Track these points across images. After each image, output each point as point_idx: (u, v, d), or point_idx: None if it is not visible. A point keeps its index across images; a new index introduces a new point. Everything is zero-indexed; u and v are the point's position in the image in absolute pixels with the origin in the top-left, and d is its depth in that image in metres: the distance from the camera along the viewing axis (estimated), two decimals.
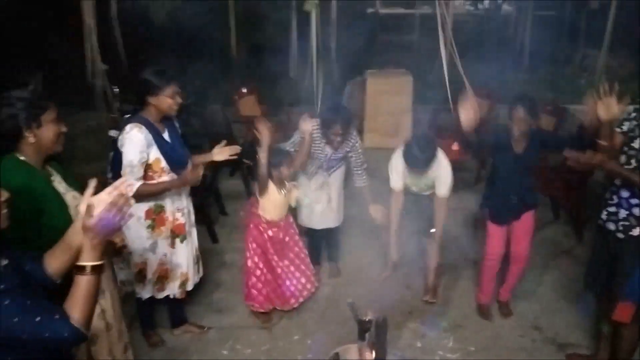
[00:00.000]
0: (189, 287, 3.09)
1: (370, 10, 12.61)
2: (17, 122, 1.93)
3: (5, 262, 1.47)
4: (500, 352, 3.12)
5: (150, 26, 6.73)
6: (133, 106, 2.80)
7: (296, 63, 6.14)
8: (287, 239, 3.42)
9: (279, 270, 3.36)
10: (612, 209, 2.66)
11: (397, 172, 3.27)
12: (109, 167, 4.69)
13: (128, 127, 2.65)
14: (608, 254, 2.73)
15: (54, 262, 1.67)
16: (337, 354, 2.70)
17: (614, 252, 2.68)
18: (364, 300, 3.24)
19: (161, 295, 3.01)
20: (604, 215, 2.71)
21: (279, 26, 6.41)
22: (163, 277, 2.97)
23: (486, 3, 12.40)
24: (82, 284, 1.47)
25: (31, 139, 1.96)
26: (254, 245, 3.34)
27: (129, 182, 2.32)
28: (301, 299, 3.46)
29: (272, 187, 3.28)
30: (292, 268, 3.42)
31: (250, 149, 5.62)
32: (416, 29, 12.13)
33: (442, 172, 3.24)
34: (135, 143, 2.63)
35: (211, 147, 5.17)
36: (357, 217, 4.13)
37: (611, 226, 2.67)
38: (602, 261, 2.78)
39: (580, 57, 10.10)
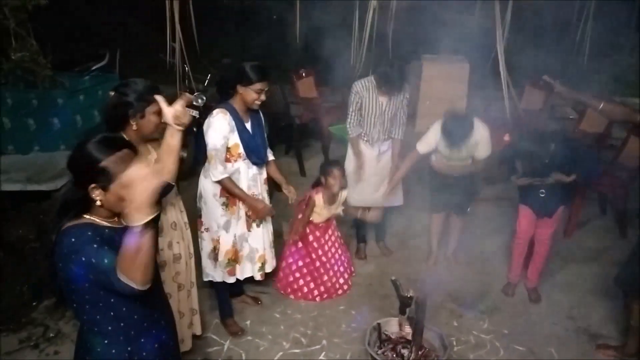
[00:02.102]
0: (268, 269, 3.27)
1: None
2: (125, 110, 2.24)
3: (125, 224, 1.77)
4: (533, 337, 3.30)
5: (218, 5, 7.05)
6: (224, 92, 3.04)
7: (356, 47, 6.28)
8: (327, 238, 3.67)
9: (318, 264, 3.62)
10: None
11: (430, 140, 3.54)
12: None
13: (214, 112, 2.89)
14: None
15: None
16: (379, 324, 2.99)
17: None
18: (405, 278, 3.51)
19: (232, 280, 3.14)
20: None
21: (343, 9, 6.54)
22: (233, 261, 3.10)
23: None
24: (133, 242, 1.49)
25: (134, 127, 2.26)
26: (297, 239, 3.62)
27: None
28: (331, 296, 3.65)
29: (320, 202, 3.53)
30: (327, 266, 3.65)
31: (304, 129, 5.92)
32: (477, 10, 11.90)
33: (482, 139, 3.47)
34: (219, 128, 2.85)
35: (270, 127, 5.51)
36: (407, 202, 4.36)
37: None
38: None
39: None
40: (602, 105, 2.81)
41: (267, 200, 3.20)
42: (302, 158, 5.66)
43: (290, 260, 3.66)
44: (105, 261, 1.55)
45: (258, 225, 3.15)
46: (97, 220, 1.68)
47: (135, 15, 7.36)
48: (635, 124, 2.71)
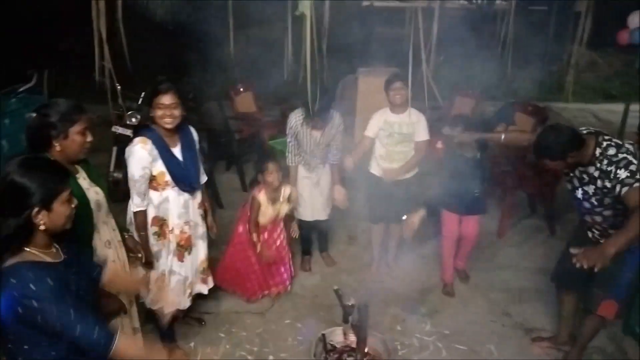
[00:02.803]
0: (195, 290, 3.18)
1: (365, 3, 12.75)
2: (48, 131, 2.17)
3: (64, 256, 1.73)
4: (473, 335, 3.42)
5: (151, 24, 6.95)
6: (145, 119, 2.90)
7: (290, 63, 6.37)
8: (270, 241, 3.66)
9: (256, 267, 3.62)
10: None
11: (375, 122, 3.72)
12: (113, 161, 4.97)
13: (135, 140, 2.74)
14: None
15: None
16: (323, 335, 3.01)
17: None
18: (349, 288, 3.57)
19: (156, 307, 3.00)
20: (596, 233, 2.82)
21: (275, 25, 6.63)
22: (160, 290, 2.98)
23: None
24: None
25: (57, 148, 2.20)
26: (239, 240, 3.62)
27: None
28: (268, 294, 3.72)
29: (263, 199, 3.51)
30: (270, 268, 3.68)
31: (244, 144, 5.91)
32: (407, 23, 12.34)
33: (419, 118, 3.70)
34: (138, 158, 2.70)
35: (209, 143, 5.47)
36: (348, 211, 4.43)
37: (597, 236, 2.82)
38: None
39: (567, 54, 10.36)
40: (503, 137, 3.11)
41: (200, 225, 3.09)
42: (243, 173, 5.63)
43: (233, 257, 3.66)
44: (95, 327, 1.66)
45: (190, 253, 3.04)
46: (38, 253, 1.65)
47: (64, 34, 7.13)
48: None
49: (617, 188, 2.47)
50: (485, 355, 3.26)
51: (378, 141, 3.78)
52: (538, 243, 4.57)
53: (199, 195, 3.04)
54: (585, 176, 2.67)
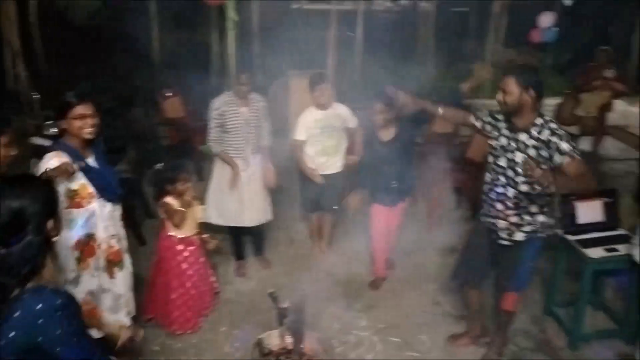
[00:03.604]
0: (132, 312, 3.10)
1: (295, 6, 12.84)
2: None
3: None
4: (406, 327, 3.54)
5: (71, 29, 6.64)
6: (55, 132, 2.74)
7: (217, 69, 6.30)
8: (201, 258, 3.51)
9: (194, 292, 3.46)
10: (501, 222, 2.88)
11: (303, 124, 3.92)
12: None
13: (47, 156, 2.60)
14: (489, 251, 3.02)
15: None
16: (260, 340, 3.00)
17: (497, 250, 2.97)
18: (287, 289, 3.56)
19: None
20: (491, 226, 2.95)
21: (201, 29, 6.53)
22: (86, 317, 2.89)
23: None
24: None
25: None
26: (169, 276, 3.41)
27: None
28: (203, 317, 3.57)
29: (175, 203, 3.33)
30: (200, 289, 3.52)
31: (174, 151, 5.77)
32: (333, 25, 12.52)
33: (342, 109, 4.01)
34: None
35: (135, 150, 5.30)
36: (281, 211, 4.46)
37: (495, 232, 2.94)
38: (480, 256, 3.08)
39: (488, 52, 10.89)
40: (441, 111, 3.15)
41: (124, 239, 2.99)
42: None
43: (174, 295, 3.43)
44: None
45: (121, 269, 2.94)
46: (48, 278, 1.59)
47: None
48: (469, 125, 3.04)
49: (556, 157, 2.62)
50: (418, 345, 3.38)
51: (311, 139, 3.92)
52: (464, 234, 4.76)
53: (119, 208, 2.95)
54: (513, 143, 2.75)
